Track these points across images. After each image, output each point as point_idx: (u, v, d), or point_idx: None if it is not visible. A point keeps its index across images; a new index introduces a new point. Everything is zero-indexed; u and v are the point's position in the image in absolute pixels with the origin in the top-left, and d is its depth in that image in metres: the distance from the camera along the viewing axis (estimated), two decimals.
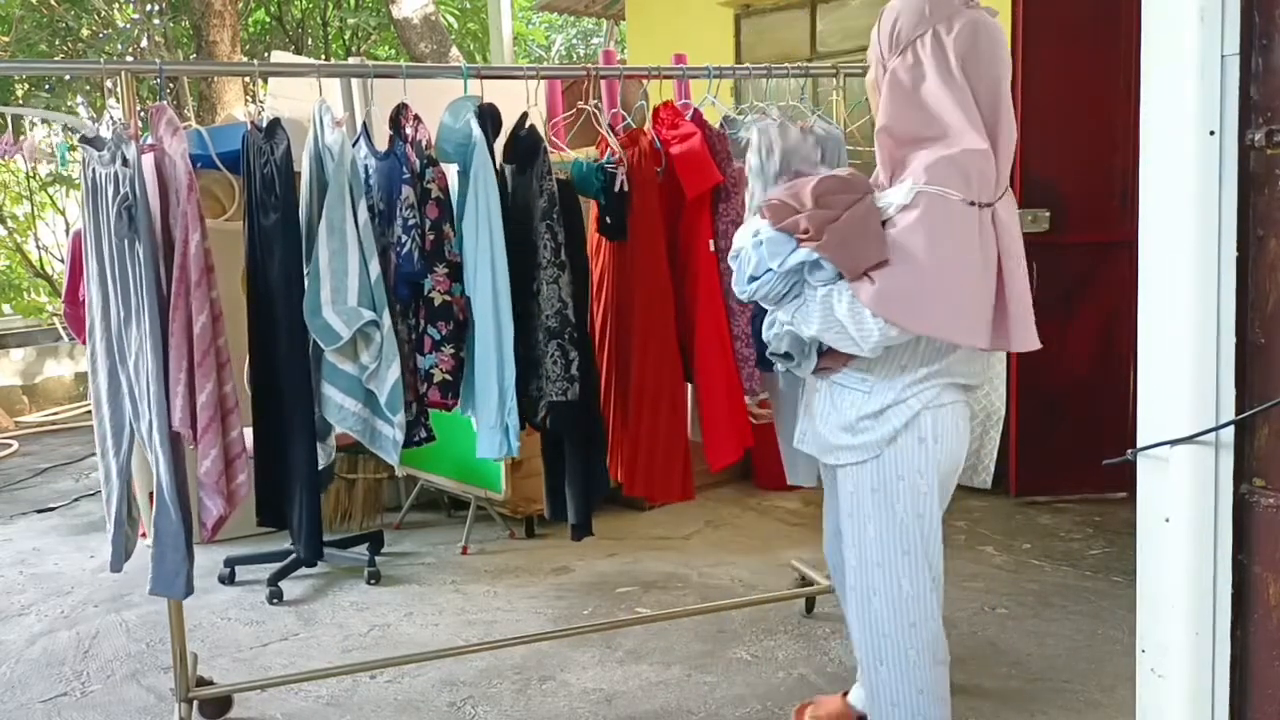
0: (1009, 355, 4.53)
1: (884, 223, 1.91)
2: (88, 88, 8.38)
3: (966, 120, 1.90)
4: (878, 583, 2.10)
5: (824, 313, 1.94)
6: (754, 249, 2.00)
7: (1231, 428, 1.48)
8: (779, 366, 2.19)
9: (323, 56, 10.58)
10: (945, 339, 1.94)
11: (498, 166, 2.53)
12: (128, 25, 9.22)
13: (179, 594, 2.48)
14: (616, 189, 2.59)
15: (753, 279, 2.02)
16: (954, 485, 2.15)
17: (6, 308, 9.02)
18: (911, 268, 1.85)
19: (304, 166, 2.47)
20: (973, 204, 1.87)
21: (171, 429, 2.37)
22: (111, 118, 2.41)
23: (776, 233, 1.97)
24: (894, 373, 2.02)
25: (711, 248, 2.61)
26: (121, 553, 2.57)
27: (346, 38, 11.04)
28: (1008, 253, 1.95)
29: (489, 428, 2.52)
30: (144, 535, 3.20)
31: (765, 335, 2.13)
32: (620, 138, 2.69)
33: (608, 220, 2.64)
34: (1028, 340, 1.99)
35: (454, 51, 8.47)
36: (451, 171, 2.57)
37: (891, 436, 2.02)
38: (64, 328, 7.86)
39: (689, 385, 2.78)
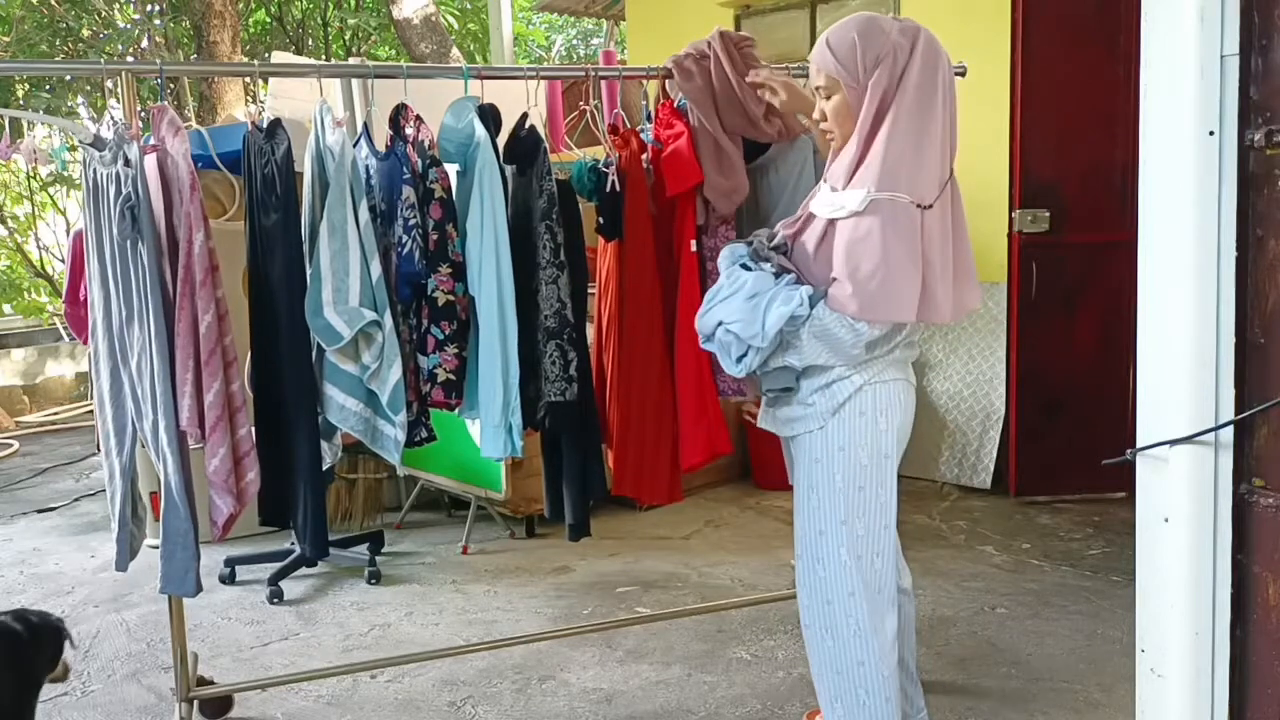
0: (1009, 355, 4.55)
1: (832, 222, 2.05)
2: (88, 88, 8.38)
3: (941, 127, 2.03)
4: (820, 550, 2.19)
5: (812, 341, 2.07)
6: (725, 334, 2.12)
7: (1231, 428, 1.48)
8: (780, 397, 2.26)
9: (323, 57, 10.56)
10: (918, 320, 2.07)
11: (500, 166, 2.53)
12: (128, 25, 9.21)
13: (189, 591, 2.48)
14: (607, 189, 2.60)
15: (740, 359, 2.13)
16: (900, 458, 2.20)
17: (7, 308, 9.02)
18: (877, 271, 1.98)
19: (306, 167, 2.47)
20: (920, 206, 1.99)
21: (179, 428, 2.37)
22: (112, 118, 2.41)
23: (742, 316, 2.07)
24: None
25: (693, 248, 2.61)
26: (127, 552, 2.56)
27: (347, 38, 11.03)
28: (960, 226, 2.11)
29: (493, 427, 2.52)
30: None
31: (763, 385, 2.22)
32: (615, 139, 2.70)
33: (600, 220, 2.65)
34: (975, 298, 2.19)
35: (454, 52, 8.46)
36: (451, 171, 2.57)
37: (836, 409, 2.13)
38: (64, 327, 7.87)
39: None
